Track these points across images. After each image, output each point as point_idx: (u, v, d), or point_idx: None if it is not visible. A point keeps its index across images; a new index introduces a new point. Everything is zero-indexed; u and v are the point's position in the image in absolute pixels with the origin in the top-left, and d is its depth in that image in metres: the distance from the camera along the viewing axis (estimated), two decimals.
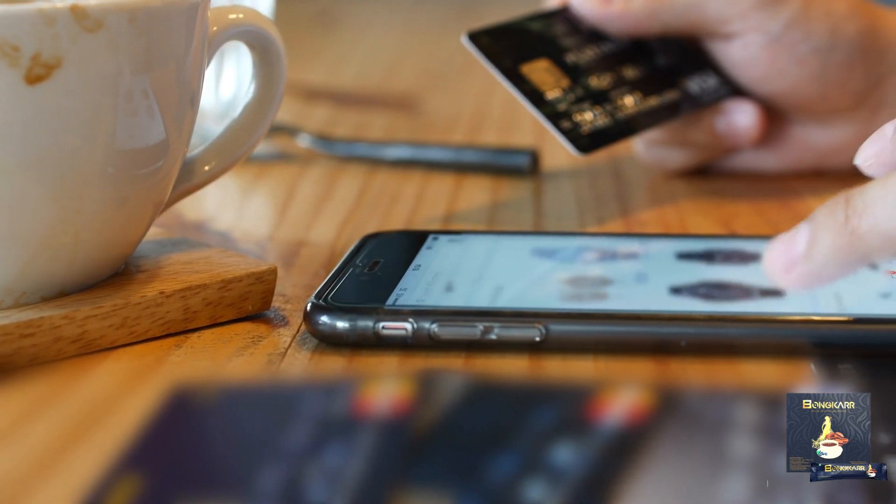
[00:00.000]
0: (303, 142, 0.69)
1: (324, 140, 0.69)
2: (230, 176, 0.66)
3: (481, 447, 0.33)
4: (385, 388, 0.36)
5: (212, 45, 0.47)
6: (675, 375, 0.40)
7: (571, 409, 0.35)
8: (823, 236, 0.38)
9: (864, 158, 0.41)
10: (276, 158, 0.69)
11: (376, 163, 0.67)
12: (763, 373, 0.40)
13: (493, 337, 0.41)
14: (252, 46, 0.48)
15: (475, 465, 0.32)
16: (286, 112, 0.84)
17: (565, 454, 0.33)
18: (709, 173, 0.64)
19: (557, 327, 0.41)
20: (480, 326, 0.41)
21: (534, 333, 0.41)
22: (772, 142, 0.64)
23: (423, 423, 0.35)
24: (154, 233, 0.49)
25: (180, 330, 0.44)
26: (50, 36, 0.39)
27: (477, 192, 0.62)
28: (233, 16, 0.47)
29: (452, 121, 0.80)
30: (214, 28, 0.46)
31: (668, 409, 0.36)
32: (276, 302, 0.47)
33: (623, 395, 0.36)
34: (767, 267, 0.39)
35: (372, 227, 0.56)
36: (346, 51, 1.12)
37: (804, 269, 0.38)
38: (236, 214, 0.61)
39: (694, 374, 0.40)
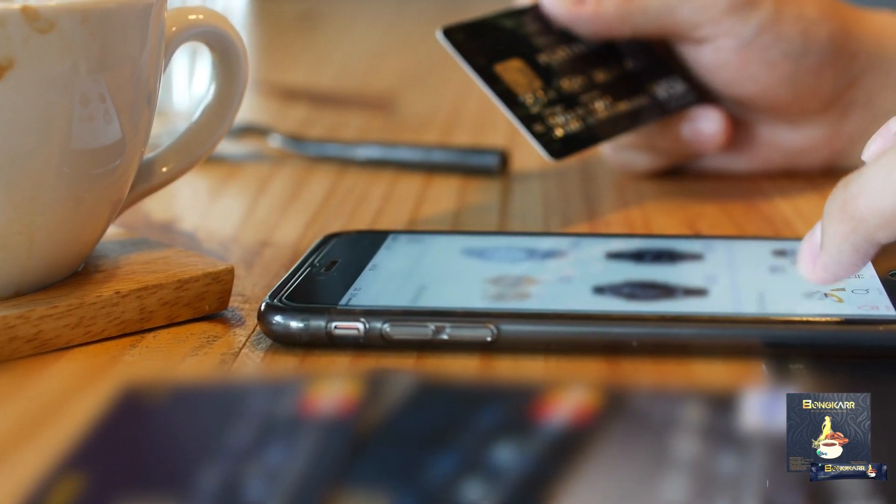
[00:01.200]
0: (274, 142, 0.69)
1: (295, 140, 0.69)
2: (200, 176, 0.66)
3: (424, 447, 0.33)
4: (332, 388, 0.36)
5: (171, 45, 0.47)
6: (625, 376, 0.40)
7: (516, 409, 0.35)
8: (829, 225, 0.39)
9: (871, 154, 0.42)
10: (248, 159, 0.69)
11: (347, 163, 0.67)
12: (714, 373, 0.40)
13: (445, 337, 0.41)
14: (212, 47, 0.48)
15: (416, 464, 0.32)
16: (262, 112, 0.84)
17: (506, 454, 0.33)
18: (677, 174, 0.65)
19: (509, 327, 0.41)
20: (432, 326, 0.41)
21: (485, 333, 0.41)
22: (741, 143, 0.64)
23: (368, 423, 0.35)
24: (115, 233, 0.49)
25: (137, 330, 0.44)
26: (1, 37, 0.39)
27: (445, 193, 0.62)
28: (192, 16, 0.47)
29: (427, 121, 0.80)
30: (174, 28, 0.47)
31: (614, 409, 0.36)
32: (235, 302, 0.47)
33: (569, 395, 0.36)
34: (800, 265, 0.40)
35: (337, 228, 0.56)
36: (326, 51, 1.12)
37: (822, 260, 0.40)
38: (203, 214, 0.61)
39: (644, 374, 0.40)
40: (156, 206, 0.60)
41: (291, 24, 1.29)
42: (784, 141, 0.63)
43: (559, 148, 0.56)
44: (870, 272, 0.45)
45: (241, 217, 0.59)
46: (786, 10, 0.60)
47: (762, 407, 0.36)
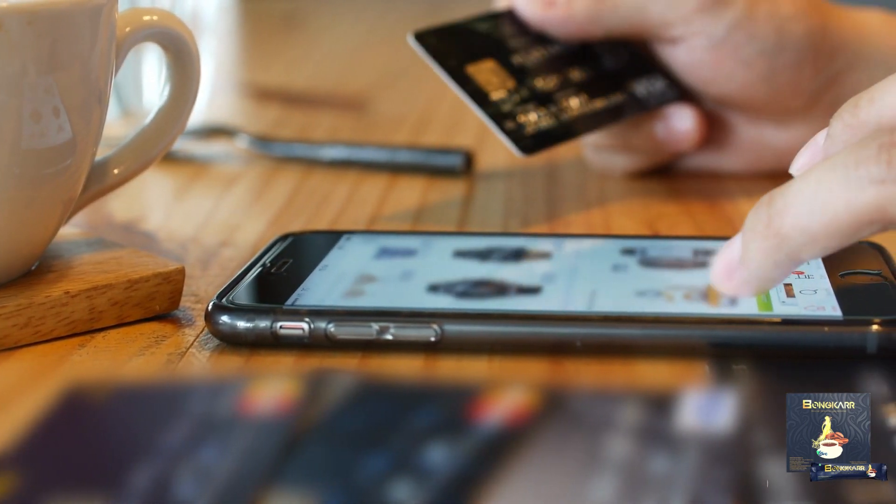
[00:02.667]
0: (241, 142, 0.69)
1: (262, 141, 0.69)
2: (166, 176, 0.66)
3: (357, 447, 0.33)
4: (270, 388, 0.37)
5: (125, 46, 0.47)
6: (566, 376, 0.40)
7: (453, 409, 0.36)
8: (752, 240, 0.38)
9: (798, 168, 0.41)
10: (215, 159, 0.69)
11: (314, 163, 0.68)
12: (657, 374, 0.40)
13: (389, 337, 0.41)
14: (166, 48, 0.48)
15: (348, 464, 0.33)
16: (236, 112, 0.84)
17: (439, 454, 0.33)
18: (644, 175, 0.64)
19: (452, 327, 0.41)
20: (376, 326, 0.41)
21: (429, 333, 0.41)
22: (729, 144, 0.64)
23: (304, 422, 0.35)
24: (72, 233, 0.49)
25: (86, 329, 0.44)
26: None
27: (408, 193, 0.62)
28: (147, 17, 0.47)
29: (398, 121, 0.80)
30: (127, 28, 0.47)
31: (552, 409, 0.36)
32: (188, 302, 0.47)
33: (507, 395, 0.36)
34: (713, 276, 0.39)
35: (298, 228, 0.56)
36: (305, 51, 1.12)
37: (741, 275, 0.39)
38: (166, 214, 0.61)
39: (587, 374, 0.40)
40: (119, 205, 0.60)
41: (275, 25, 1.29)
42: (771, 140, 0.63)
43: (530, 144, 0.56)
44: (820, 272, 0.45)
45: (203, 217, 0.59)
46: (758, 8, 0.59)
47: (702, 408, 0.37)
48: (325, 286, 0.44)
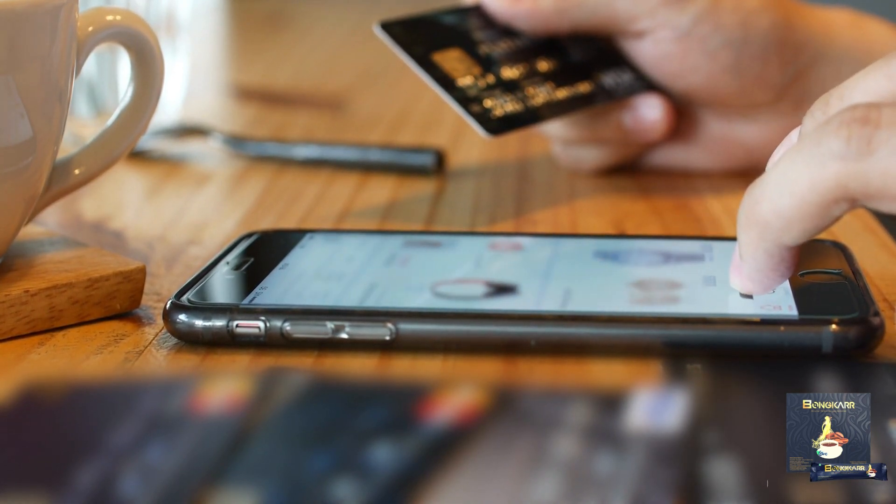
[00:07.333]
0: (215, 142, 0.69)
1: (235, 140, 0.69)
2: (138, 175, 0.66)
3: (303, 446, 0.34)
4: (222, 386, 0.37)
5: (87, 45, 0.47)
6: (518, 375, 0.40)
7: (401, 408, 0.36)
8: (741, 233, 0.40)
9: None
10: (188, 158, 0.69)
11: (287, 162, 0.68)
12: (612, 373, 0.40)
13: (344, 336, 0.41)
14: (128, 48, 0.48)
15: (292, 463, 0.33)
16: (214, 111, 0.84)
17: (382, 453, 0.33)
18: (614, 173, 0.65)
19: (407, 326, 0.41)
20: (331, 325, 0.41)
21: (384, 332, 0.41)
22: (700, 140, 0.64)
23: (252, 421, 0.35)
24: (35, 232, 0.50)
25: (47, 328, 0.44)
26: None
27: (378, 192, 0.62)
28: (110, 17, 0.48)
29: (374, 120, 0.80)
30: (90, 28, 0.47)
31: (501, 408, 0.36)
32: (150, 300, 0.47)
33: (457, 394, 0.36)
34: (730, 276, 0.42)
35: (265, 226, 0.56)
36: (288, 50, 1.12)
37: (744, 270, 0.41)
38: (136, 213, 0.61)
39: (540, 373, 0.40)
40: (89, 204, 0.61)
41: (260, 24, 1.29)
42: (742, 135, 0.63)
43: (496, 125, 0.56)
44: None
45: (172, 216, 0.59)
46: (724, 1, 0.60)
47: (652, 407, 0.37)
48: (284, 285, 0.44)
